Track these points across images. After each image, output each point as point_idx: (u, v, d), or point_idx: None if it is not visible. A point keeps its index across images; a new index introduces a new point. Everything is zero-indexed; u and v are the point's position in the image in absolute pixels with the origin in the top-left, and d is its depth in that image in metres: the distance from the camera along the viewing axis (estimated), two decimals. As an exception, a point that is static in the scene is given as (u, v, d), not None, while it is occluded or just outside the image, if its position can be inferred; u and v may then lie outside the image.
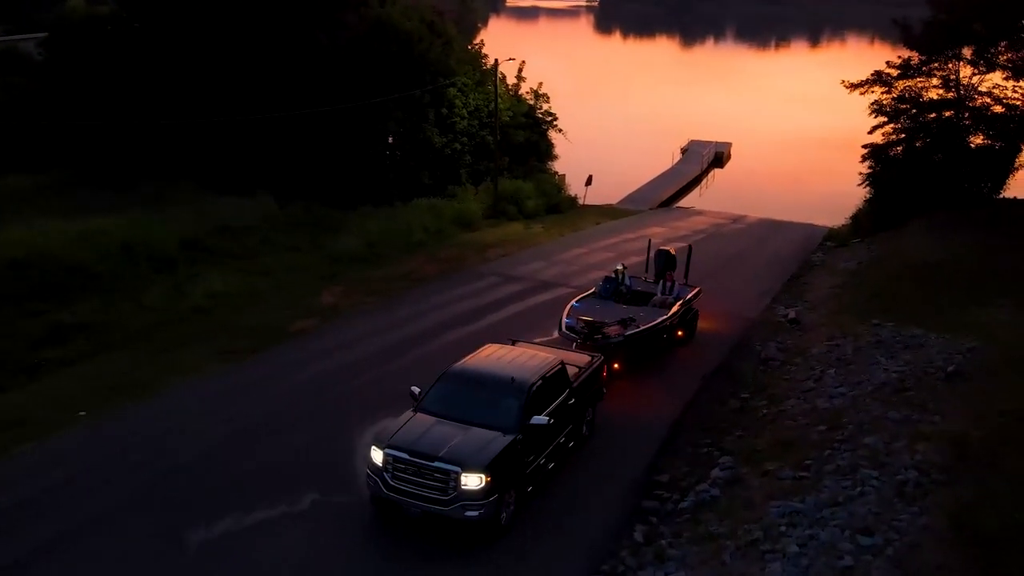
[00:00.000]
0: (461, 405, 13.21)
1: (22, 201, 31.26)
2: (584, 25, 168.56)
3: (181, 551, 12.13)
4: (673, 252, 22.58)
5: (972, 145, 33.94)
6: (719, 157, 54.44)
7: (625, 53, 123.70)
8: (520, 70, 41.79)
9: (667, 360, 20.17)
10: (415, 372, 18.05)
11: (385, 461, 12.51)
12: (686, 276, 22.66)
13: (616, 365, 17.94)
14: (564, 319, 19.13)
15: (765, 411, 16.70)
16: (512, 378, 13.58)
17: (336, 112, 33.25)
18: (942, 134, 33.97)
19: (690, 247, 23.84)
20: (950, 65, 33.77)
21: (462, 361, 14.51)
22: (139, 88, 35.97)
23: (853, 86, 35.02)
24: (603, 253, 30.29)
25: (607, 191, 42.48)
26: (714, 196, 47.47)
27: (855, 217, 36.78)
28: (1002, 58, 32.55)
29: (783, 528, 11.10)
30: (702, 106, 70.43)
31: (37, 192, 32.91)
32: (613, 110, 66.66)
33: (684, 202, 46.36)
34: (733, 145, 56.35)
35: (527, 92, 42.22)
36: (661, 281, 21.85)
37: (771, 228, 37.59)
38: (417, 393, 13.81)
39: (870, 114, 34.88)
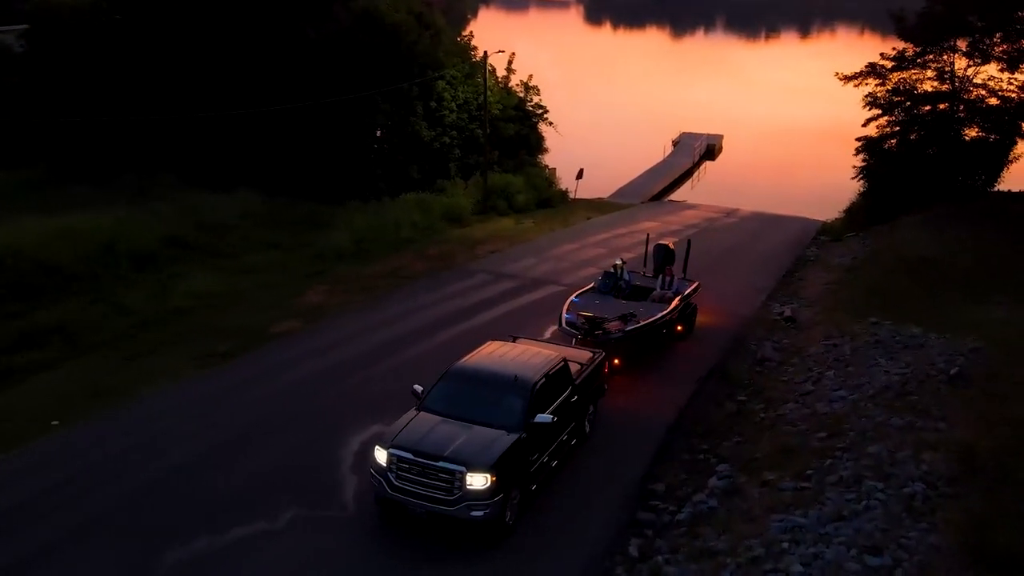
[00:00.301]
0: (464, 404, 13.10)
1: (1, 197, 30.57)
2: (574, 16, 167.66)
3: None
4: (672, 246, 22.41)
5: (967, 138, 33.66)
6: (711, 149, 54.03)
7: (615, 44, 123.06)
8: (510, 62, 41.09)
9: (664, 357, 19.77)
10: (403, 375, 17.64)
11: (389, 461, 12.35)
12: (684, 270, 22.43)
13: (616, 361, 17.85)
14: (564, 314, 18.95)
15: (763, 415, 16.22)
16: (515, 376, 13.47)
17: (323, 105, 32.56)
18: (936, 127, 33.66)
19: (689, 241, 23.62)
20: (945, 57, 33.42)
21: (464, 359, 14.33)
22: (122, 81, 35.20)
23: (847, 78, 34.63)
24: (595, 249, 29.77)
25: (598, 184, 42.00)
26: (706, 189, 47.09)
27: (849, 211, 36.43)
28: (997, 50, 32.19)
29: (785, 545, 10.60)
30: (693, 98, 69.94)
31: (15, 189, 32.13)
32: (604, 102, 66.09)
33: (676, 195, 45.95)
34: (725, 137, 55.93)
35: (517, 84, 41.55)
36: (660, 276, 21.70)
37: (764, 222, 37.16)
38: (420, 392, 13.66)
39: (864, 107, 34.52)
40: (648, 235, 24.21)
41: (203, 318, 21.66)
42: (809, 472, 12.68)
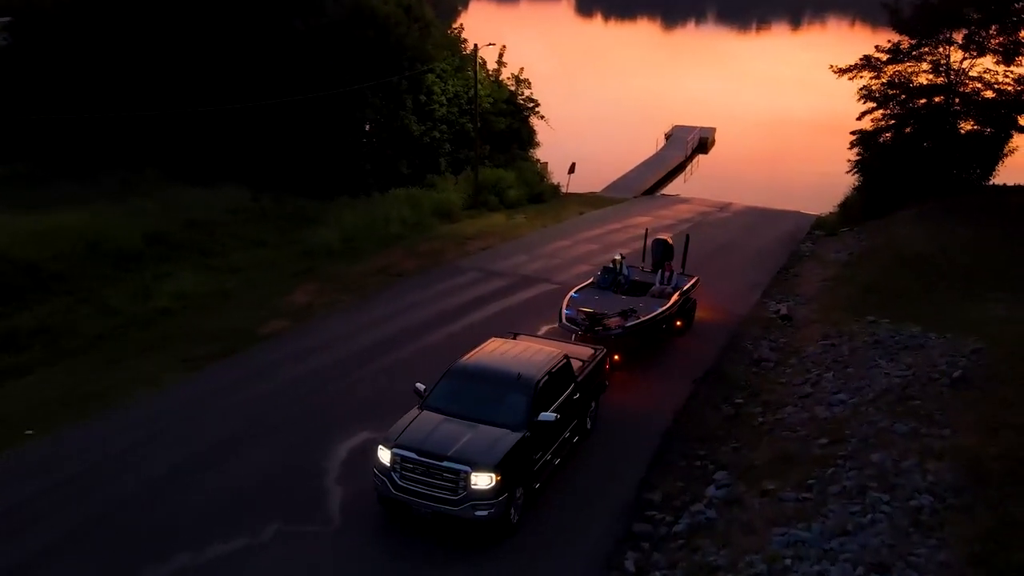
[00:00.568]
0: (467, 402, 13.00)
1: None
2: (565, 8, 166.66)
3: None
4: (670, 241, 22.24)
5: (962, 131, 33.36)
6: (703, 143, 53.62)
7: (607, 36, 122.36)
8: (501, 55, 40.49)
9: (662, 355, 19.49)
10: (393, 377, 17.28)
11: (393, 461, 12.23)
12: (683, 265, 22.21)
13: (616, 357, 17.73)
14: (564, 310, 18.77)
15: (761, 419, 15.87)
16: (519, 374, 13.38)
17: (311, 99, 31.99)
18: (932, 120, 33.38)
19: (687, 236, 23.45)
20: (940, 49, 33.10)
21: (467, 357, 14.21)
22: (107, 74, 34.52)
23: (841, 71, 34.30)
24: (587, 245, 29.36)
25: (591, 179, 41.59)
26: (699, 183, 46.70)
27: (843, 205, 36.16)
28: (993, 42, 31.94)
29: (788, 561, 10.22)
30: (685, 90, 69.49)
31: (-3, 185, 31.49)
32: (596, 95, 65.48)
33: (669, 189, 45.58)
34: (717, 130, 55.51)
35: (508, 78, 40.96)
36: (659, 271, 21.53)
37: (758, 216, 36.79)
38: (422, 390, 13.52)
39: (859, 100, 34.17)
40: (647, 230, 23.89)
41: (189, 319, 21.15)
42: (810, 481, 12.32)
